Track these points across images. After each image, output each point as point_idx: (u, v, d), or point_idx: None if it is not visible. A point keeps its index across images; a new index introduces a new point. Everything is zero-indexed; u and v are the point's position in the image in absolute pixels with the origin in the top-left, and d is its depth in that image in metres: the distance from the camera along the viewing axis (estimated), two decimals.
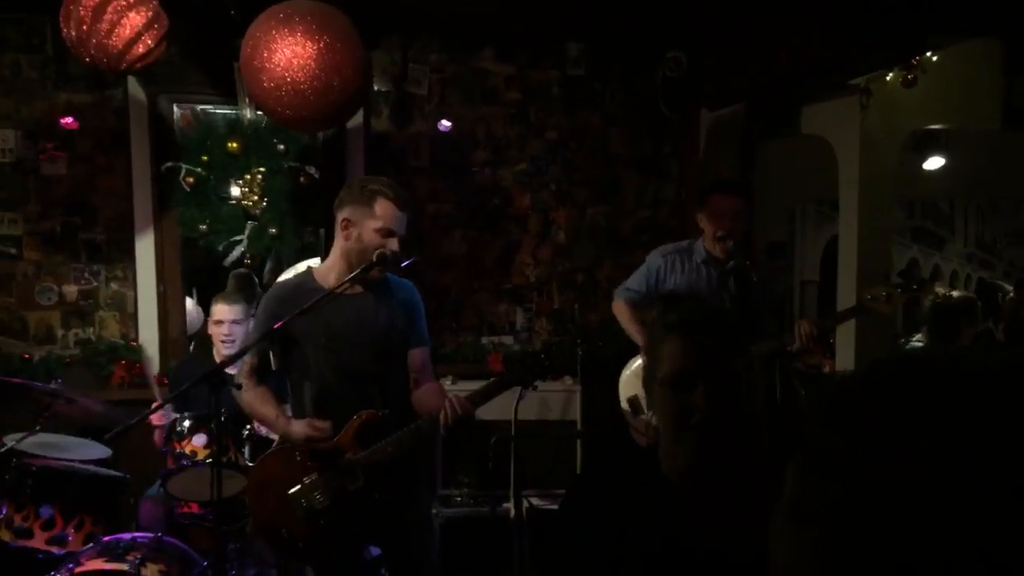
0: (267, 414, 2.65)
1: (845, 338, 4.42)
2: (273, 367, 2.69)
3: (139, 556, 2.84)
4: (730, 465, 1.39)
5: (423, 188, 4.66)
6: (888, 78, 4.00)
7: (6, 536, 3.05)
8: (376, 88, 4.61)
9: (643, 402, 3.47)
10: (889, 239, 4.77)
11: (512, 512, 3.75)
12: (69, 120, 4.25)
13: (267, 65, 3.14)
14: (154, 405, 2.53)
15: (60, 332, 4.32)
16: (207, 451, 3.03)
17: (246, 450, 3.19)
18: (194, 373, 3.20)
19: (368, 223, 2.55)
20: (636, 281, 3.65)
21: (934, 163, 5.49)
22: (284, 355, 2.65)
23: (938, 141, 5.27)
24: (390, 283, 2.70)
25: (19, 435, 3.18)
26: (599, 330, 4.73)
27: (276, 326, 2.47)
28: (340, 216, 2.63)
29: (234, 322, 3.68)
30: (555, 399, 4.22)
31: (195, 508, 3.21)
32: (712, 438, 1.39)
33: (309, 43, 3.13)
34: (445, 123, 4.67)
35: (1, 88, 4.23)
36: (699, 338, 1.41)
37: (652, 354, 1.48)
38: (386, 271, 2.62)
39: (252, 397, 2.67)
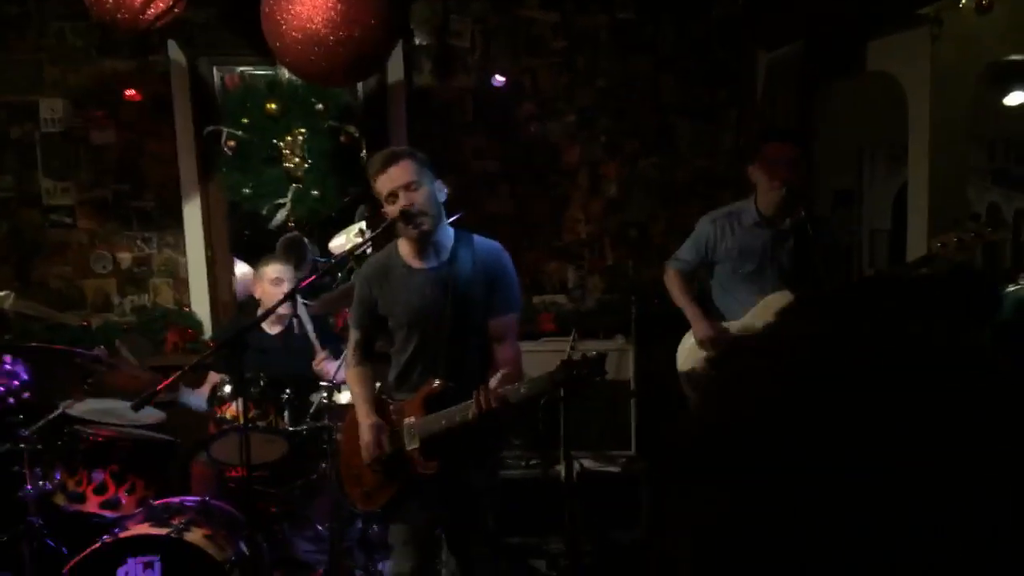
0: (356, 396, 2.72)
1: None
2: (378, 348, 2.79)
3: (183, 521, 2.86)
4: None
5: (468, 145, 4.55)
6: (961, 4, 3.65)
7: (61, 501, 3.12)
8: (417, 42, 4.49)
9: (701, 373, 3.33)
10: (965, 182, 4.44)
11: (563, 474, 3.66)
12: (132, 92, 4.25)
13: (287, 17, 3.06)
14: (174, 375, 2.50)
15: (116, 299, 4.40)
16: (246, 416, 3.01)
17: (286, 414, 3.18)
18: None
19: (388, 208, 2.54)
20: (687, 250, 3.50)
21: (1016, 98, 5.08)
22: (380, 327, 2.72)
23: (1020, 73, 4.86)
24: (473, 249, 2.64)
25: (69, 401, 3.23)
26: (654, 288, 4.56)
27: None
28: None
29: (290, 280, 3.67)
30: (607, 359, 4.08)
31: (243, 472, 3.21)
32: None
33: None
34: (499, 78, 4.52)
35: (47, 56, 4.26)
36: None
37: None
38: (414, 226, 2.52)
39: (350, 375, 2.77)
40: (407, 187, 2.49)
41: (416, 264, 2.60)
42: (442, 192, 2.59)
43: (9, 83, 4.24)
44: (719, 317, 3.37)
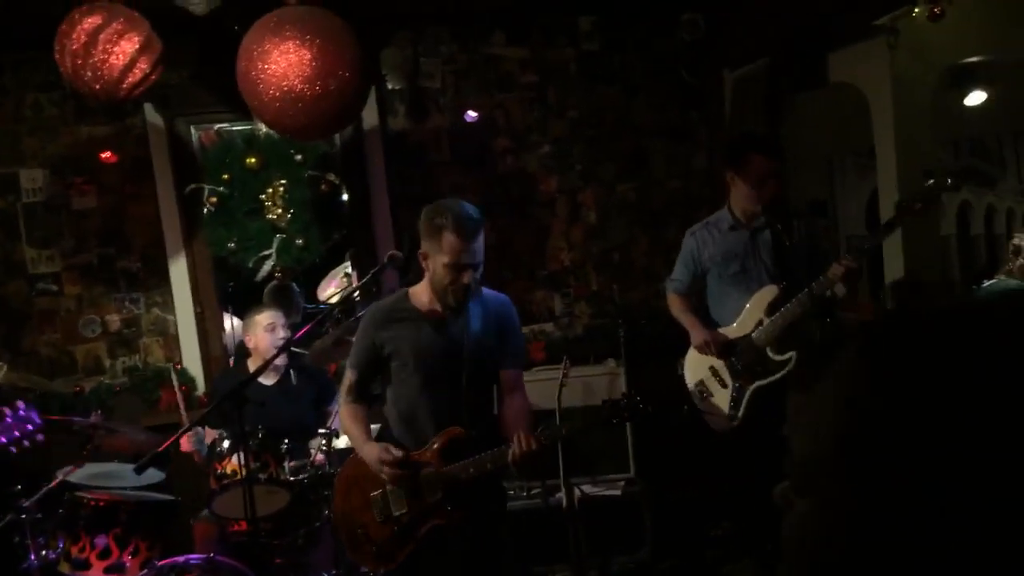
0: (352, 431, 2.69)
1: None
2: (373, 391, 2.76)
3: None
4: None
5: (445, 182, 4.61)
6: (915, 13, 3.78)
7: (66, 569, 3.11)
8: (390, 86, 4.57)
9: (710, 385, 3.38)
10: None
11: (564, 502, 3.69)
12: (107, 154, 4.30)
13: (263, 76, 3.12)
14: (180, 431, 2.52)
15: (108, 362, 4.41)
16: (245, 468, 3.02)
17: (286, 464, 3.19)
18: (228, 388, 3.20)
19: (439, 258, 2.50)
20: (678, 269, 3.59)
21: (976, 98, 5.21)
22: (379, 371, 2.69)
23: (977, 74, 4.99)
24: (485, 300, 2.66)
25: (67, 468, 3.24)
26: (641, 310, 4.63)
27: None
28: (421, 247, 2.59)
29: (282, 326, 3.69)
30: (599, 383, 4.12)
31: (245, 526, 3.21)
32: None
33: (302, 50, 3.10)
34: (471, 113, 4.60)
35: (25, 128, 4.31)
36: None
37: None
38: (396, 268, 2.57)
39: (345, 413, 2.73)
40: (470, 266, 2.49)
41: (428, 311, 2.60)
42: None
43: None
44: (717, 328, 3.43)
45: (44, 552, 3.19)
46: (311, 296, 4.93)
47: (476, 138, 4.66)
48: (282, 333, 3.64)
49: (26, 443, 2.48)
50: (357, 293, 4.45)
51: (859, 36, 4.10)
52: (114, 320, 4.39)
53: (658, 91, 4.80)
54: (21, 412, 2.48)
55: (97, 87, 3.37)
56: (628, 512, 3.83)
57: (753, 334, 3.25)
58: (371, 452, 2.57)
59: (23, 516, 3.17)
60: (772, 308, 3.22)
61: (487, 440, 2.51)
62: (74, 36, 3.29)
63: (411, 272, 3.83)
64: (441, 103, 4.64)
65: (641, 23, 4.75)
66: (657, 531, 3.88)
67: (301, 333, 2.83)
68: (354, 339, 2.74)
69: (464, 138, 4.65)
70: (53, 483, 3.26)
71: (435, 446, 2.55)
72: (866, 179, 5.85)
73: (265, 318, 3.68)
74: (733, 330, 3.33)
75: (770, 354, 3.21)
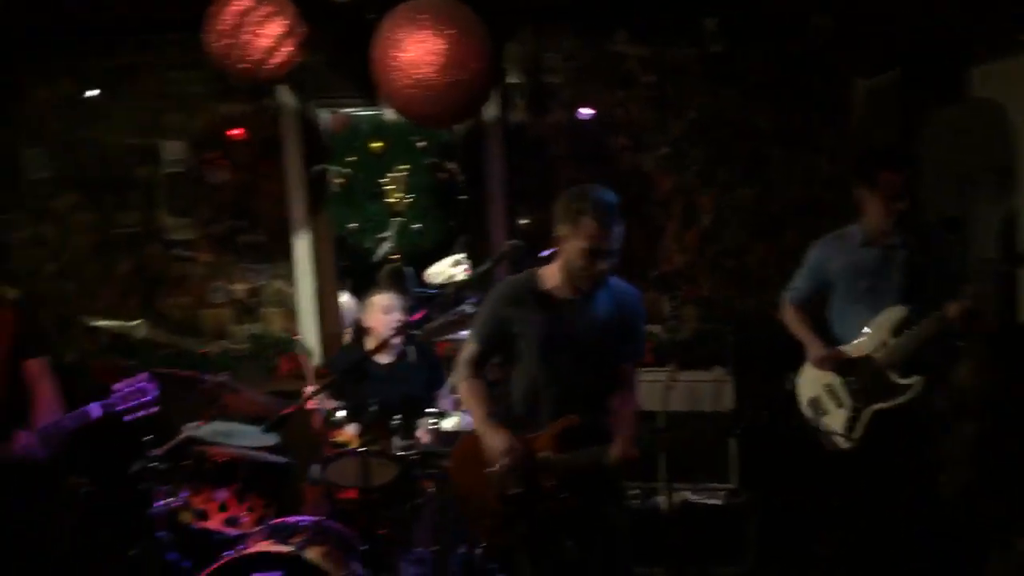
0: (474, 408, 2.72)
1: None
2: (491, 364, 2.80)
3: (302, 539, 2.99)
4: None
5: (562, 178, 4.64)
6: None
7: (187, 518, 3.31)
8: (511, 80, 4.64)
9: (825, 403, 3.30)
10: None
11: (664, 506, 3.67)
12: (237, 131, 4.53)
13: (397, 64, 3.22)
14: (304, 394, 2.65)
15: (232, 328, 4.65)
16: (359, 439, 3.15)
17: (396, 440, 3.30)
18: (347, 364, 3.33)
19: (574, 243, 2.50)
20: (800, 279, 3.51)
21: None
22: (505, 348, 2.72)
23: None
24: (613, 290, 2.66)
25: (194, 423, 3.44)
26: (752, 317, 4.55)
27: None
28: (556, 229, 2.59)
29: (398, 308, 3.82)
30: (705, 390, 4.07)
31: (353, 494, 3.34)
32: None
33: (437, 39, 3.18)
34: (585, 110, 4.63)
35: (170, 104, 4.58)
36: None
37: None
38: (515, 261, 2.62)
39: (465, 387, 2.76)
40: (605, 252, 2.49)
41: (559, 293, 2.61)
42: None
43: (135, 127, 4.58)
44: (836, 344, 3.35)
45: (169, 500, 3.41)
46: (421, 280, 5.05)
47: (594, 135, 4.67)
48: (397, 315, 3.77)
49: (140, 413, 2.64)
50: (468, 281, 4.56)
51: (1005, 51, 3.91)
52: (240, 289, 4.64)
53: (782, 95, 4.69)
54: (138, 385, 2.64)
55: (242, 67, 3.54)
56: (729, 522, 3.77)
57: (876, 355, 3.16)
58: (492, 438, 2.60)
59: (153, 465, 3.40)
60: (898, 329, 3.12)
61: (602, 431, 2.52)
62: (224, 17, 3.47)
63: (523, 265, 3.92)
64: (561, 98, 4.68)
65: (768, 25, 4.66)
66: (759, 544, 3.81)
67: (417, 316, 2.91)
68: (478, 311, 2.76)
69: (582, 134, 4.67)
70: (181, 436, 3.47)
71: (552, 431, 2.58)
72: (1002, 199, 5.56)
73: (382, 300, 3.81)
74: (854, 348, 3.24)
75: (892, 377, 3.11)
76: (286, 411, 2.51)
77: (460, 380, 2.78)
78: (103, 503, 3.73)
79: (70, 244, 4.60)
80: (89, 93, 4.53)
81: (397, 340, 3.68)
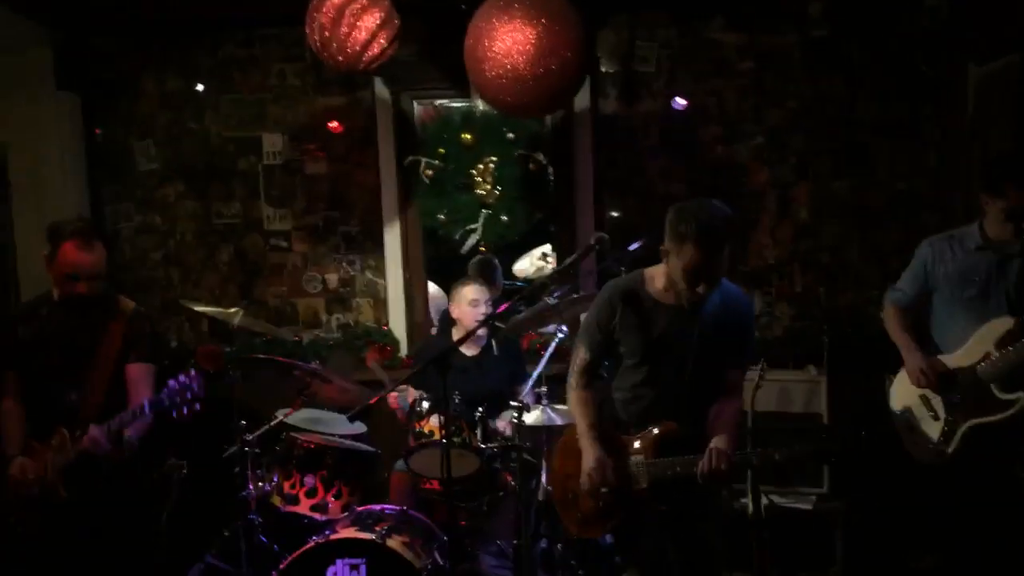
0: (579, 420, 2.70)
1: None
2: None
3: (386, 527, 3.07)
4: None
5: (653, 168, 4.57)
6: None
7: (277, 502, 3.44)
8: (603, 69, 4.58)
9: (919, 413, 3.16)
10: None
11: (751, 508, 3.58)
12: (335, 124, 4.64)
13: (488, 54, 3.22)
14: (386, 388, 2.70)
15: (324, 317, 4.79)
16: (442, 431, 3.19)
17: (479, 432, 3.33)
18: (433, 354, 3.36)
19: (678, 262, 2.46)
20: (904, 279, 3.34)
21: None
22: (610, 350, 2.72)
23: None
24: (723, 294, 2.59)
25: (286, 410, 3.56)
26: (848, 316, 4.38)
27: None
28: (664, 241, 2.55)
29: (486, 301, 3.84)
30: (796, 390, 3.94)
31: (436, 485, 3.40)
32: None
33: (528, 28, 3.16)
34: (680, 100, 4.53)
35: (270, 96, 4.72)
36: None
37: None
38: (605, 256, 2.59)
39: (573, 399, 2.75)
40: (705, 277, 2.44)
41: (664, 299, 2.58)
42: None
43: (238, 120, 4.75)
44: (936, 353, 3.18)
45: (260, 484, 3.55)
46: (508, 273, 5.08)
47: (687, 125, 4.57)
48: (484, 308, 3.80)
49: (185, 410, 2.70)
50: (554, 274, 4.55)
51: None
52: (333, 279, 4.76)
53: (889, 82, 4.47)
54: (183, 380, 2.70)
55: (341, 59, 3.61)
56: (818, 529, 3.66)
57: (978, 367, 2.98)
58: (586, 454, 2.59)
59: (245, 449, 3.54)
60: (1003, 341, 2.94)
61: (701, 439, 2.48)
62: (324, 10, 3.54)
63: (609, 258, 3.88)
64: (654, 88, 4.59)
65: (877, 9, 4.44)
66: (849, 554, 3.68)
67: (502, 308, 2.91)
68: (585, 317, 2.75)
69: (674, 124, 4.57)
70: (273, 422, 3.60)
71: (649, 436, 2.57)
72: None
73: (470, 292, 3.84)
74: (955, 359, 3.07)
75: (995, 391, 2.94)
76: (370, 401, 2.56)
77: (570, 390, 2.77)
78: (200, 486, 3.90)
79: (175, 232, 4.81)
80: (197, 88, 4.71)
81: (482, 332, 3.70)
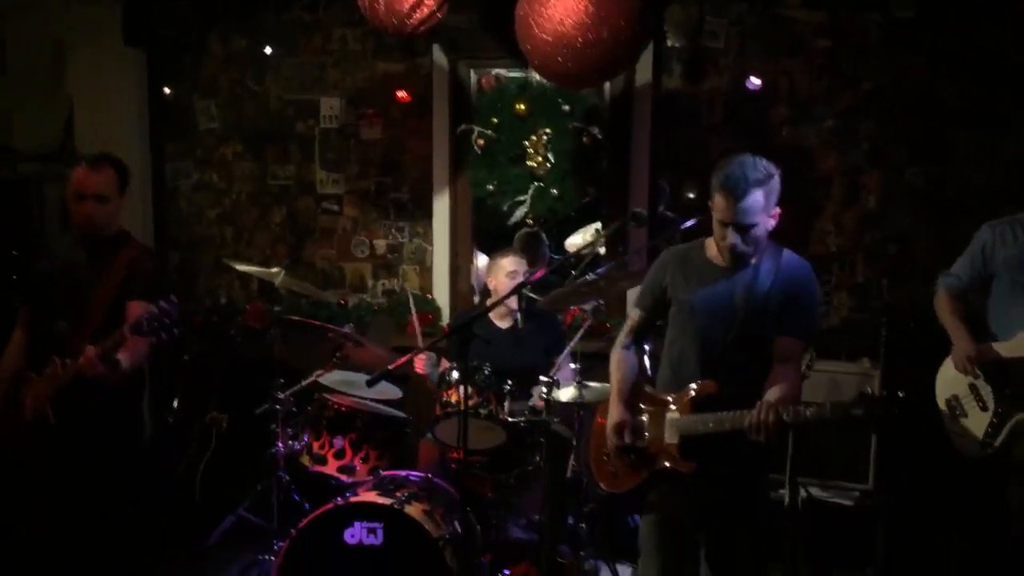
0: (611, 379, 2.77)
1: None
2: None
3: (406, 494, 3.04)
4: None
5: (714, 149, 4.40)
6: None
7: (306, 461, 3.45)
8: (669, 44, 4.42)
9: (966, 404, 3.01)
10: None
11: (787, 500, 3.43)
12: (403, 94, 4.61)
13: (539, 20, 3.14)
14: (402, 359, 2.65)
15: (370, 282, 4.79)
16: (468, 402, 3.14)
17: (506, 404, 3.27)
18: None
19: (714, 214, 2.50)
20: (960, 263, 3.18)
21: None
22: (663, 313, 2.76)
23: None
24: (779, 263, 2.56)
25: (319, 371, 3.57)
26: (910, 310, 4.15)
27: None
28: None
29: (523, 273, 3.77)
30: (848, 382, 3.76)
31: (460, 455, 3.35)
32: None
33: None
34: (754, 80, 4.35)
35: (330, 60, 4.73)
36: None
37: None
38: (660, 229, 2.54)
39: (614, 357, 2.79)
40: (737, 227, 2.43)
41: (716, 262, 2.59)
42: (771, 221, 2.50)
43: (298, 83, 4.77)
44: (991, 341, 2.99)
45: (291, 443, 3.58)
46: (560, 248, 4.98)
47: (753, 105, 4.39)
48: (520, 279, 3.71)
49: (163, 335, 2.64)
50: (604, 250, 4.44)
51: None
52: (381, 244, 4.75)
53: (973, 68, 4.19)
54: (163, 306, 2.62)
55: (392, 21, 3.58)
56: (858, 526, 3.49)
57: None
58: (613, 415, 2.64)
59: (279, 407, 3.57)
60: None
61: (739, 401, 2.41)
62: None
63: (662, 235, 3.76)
64: (721, 65, 4.42)
65: None
66: (891, 552, 3.51)
67: (535, 278, 2.85)
68: (644, 280, 2.78)
69: (740, 104, 4.40)
70: (307, 382, 3.62)
71: (688, 394, 2.55)
72: None
73: (508, 263, 3.77)
74: (1009, 347, 2.90)
75: None
76: (390, 367, 2.52)
77: (615, 347, 2.81)
78: (239, 440, 3.95)
79: (231, 192, 4.88)
80: (265, 50, 4.73)
81: (514, 304, 3.62)
